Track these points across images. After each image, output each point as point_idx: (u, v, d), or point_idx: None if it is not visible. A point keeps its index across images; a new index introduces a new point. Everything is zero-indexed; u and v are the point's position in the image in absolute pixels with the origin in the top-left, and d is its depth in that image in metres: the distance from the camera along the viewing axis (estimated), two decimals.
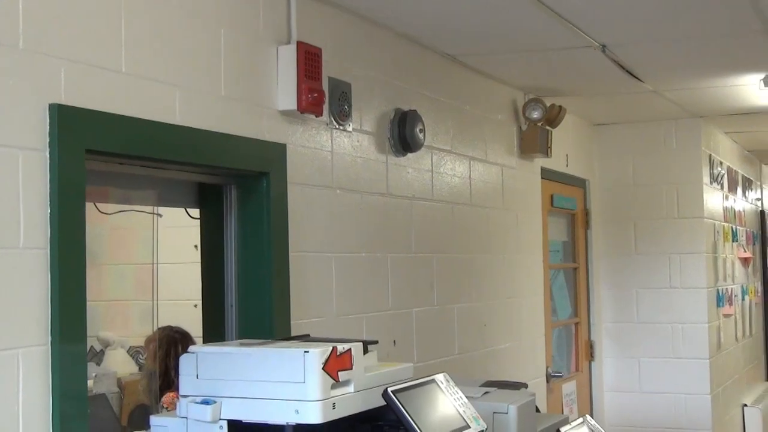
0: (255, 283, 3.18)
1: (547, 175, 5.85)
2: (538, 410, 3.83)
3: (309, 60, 3.28)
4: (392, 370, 2.64)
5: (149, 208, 3.47)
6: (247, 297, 3.18)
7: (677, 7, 3.90)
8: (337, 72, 3.60)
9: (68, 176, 2.39)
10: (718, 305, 7.05)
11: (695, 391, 6.63)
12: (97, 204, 3.41)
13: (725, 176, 7.65)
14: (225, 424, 2.37)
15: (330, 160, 3.58)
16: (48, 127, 2.36)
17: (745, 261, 8.40)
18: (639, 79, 5.28)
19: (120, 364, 5.44)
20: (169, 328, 4.30)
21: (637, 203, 6.85)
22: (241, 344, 2.55)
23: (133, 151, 2.67)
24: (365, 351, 2.54)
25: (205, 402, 2.38)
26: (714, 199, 7.18)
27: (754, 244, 9.13)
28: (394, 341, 3.93)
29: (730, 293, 7.52)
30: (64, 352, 2.37)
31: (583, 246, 6.67)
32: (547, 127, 5.52)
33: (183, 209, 3.51)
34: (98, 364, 5.24)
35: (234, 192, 3.20)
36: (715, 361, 6.84)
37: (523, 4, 3.71)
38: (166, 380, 4.03)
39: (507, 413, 3.23)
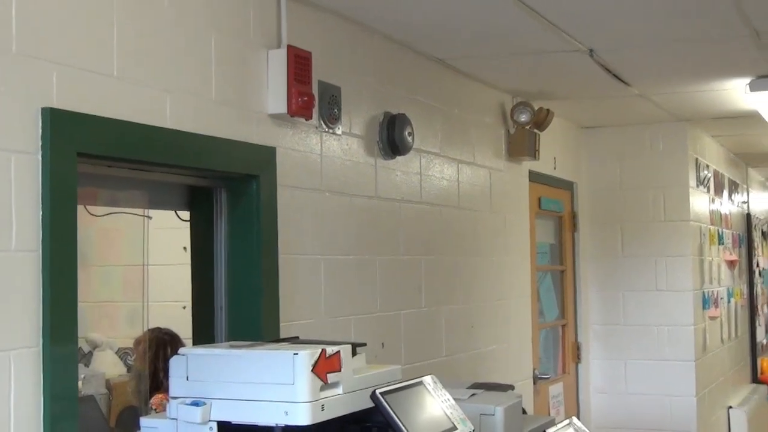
0: (244, 286, 3.20)
1: (534, 177, 5.88)
2: (524, 412, 3.86)
3: (299, 64, 3.31)
4: (380, 372, 2.67)
5: (139, 210, 3.49)
6: (237, 299, 3.20)
7: (664, 12, 3.94)
8: (326, 76, 3.62)
9: (60, 179, 2.41)
10: (704, 308, 7.10)
11: (681, 392, 6.68)
12: (87, 206, 3.42)
13: (711, 179, 7.70)
14: (215, 425, 2.39)
15: (319, 163, 3.61)
16: (40, 131, 2.38)
17: (731, 264, 8.45)
18: (626, 83, 5.33)
19: (109, 366, 5.44)
20: (158, 329, 4.31)
21: (624, 206, 6.89)
22: (231, 346, 2.58)
23: (124, 154, 2.69)
24: (354, 353, 2.56)
25: (195, 403, 2.40)
26: (700, 202, 7.23)
27: (740, 246, 9.18)
28: (383, 343, 3.96)
29: (716, 296, 7.57)
30: (56, 353, 2.38)
31: (570, 248, 6.70)
32: (535, 131, 5.56)
33: (171, 211, 3.53)
34: (87, 365, 5.24)
35: (224, 194, 3.23)
36: (701, 363, 6.89)
37: (511, 9, 3.74)
38: (155, 382, 4.04)
39: (494, 415, 3.26)
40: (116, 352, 5.57)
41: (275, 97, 3.28)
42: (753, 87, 5.31)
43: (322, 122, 3.60)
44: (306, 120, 3.44)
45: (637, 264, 6.84)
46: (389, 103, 4.11)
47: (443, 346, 4.57)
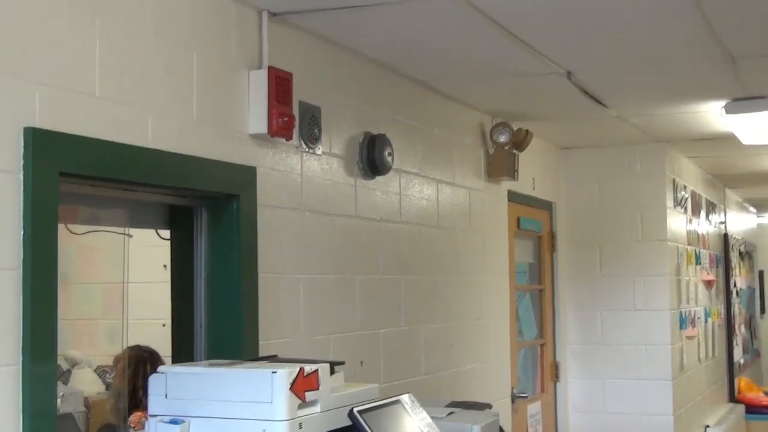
0: (224, 304, 3.22)
1: (513, 197, 5.93)
2: (502, 430, 3.89)
3: (280, 84, 3.34)
4: (358, 390, 2.70)
5: (120, 229, 3.50)
6: (216, 317, 3.22)
7: (640, 35, 4.00)
8: (307, 96, 3.66)
9: (41, 198, 2.43)
10: (681, 327, 7.16)
11: (658, 411, 6.72)
12: (68, 224, 3.43)
13: (689, 200, 7.78)
14: None
15: (300, 183, 3.64)
16: (22, 150, 2.40)
17: (708, 284, 8.53)
18: (604, 105, 5.39)
19: (87, 384, 5.43)
20: (138, 347, 4.32)
21: (602, 226, 6.95)
22: (210, 365, 2.60)
23: (106, 174, 2.71)
24: (332, 372, 2.60)
25: (174, 422, 2.42)
26: (678, 223, 7.31)
27: (717, 266, 9.26)
28: (361, 362, 3.98)
29: (693, 315, 7.63)
30: (35, 371, 2.39)
31: (549, 268, 6.75)
32: (514, 151, 5.61)
33: (153, 230, 3.55)
34: (65, 383, 5.23)
35: (204, 214, 3.25)
36: (678, 382, 6.94)
37: (490, 32, 3.79)
38: (134, 399, 4.05)
39: None
40: (95, 370, 5.56)
41: (256, 117, 3.31)
42: (728, 110, 5.39)
43: (302, 142, 3.64)
44: (286, 140, 3.47)
45: (615, 284, 6.89)
46: (369, 124, 4.15)
47: (422, 365, 4.59)
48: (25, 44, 2.44)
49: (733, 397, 9.65)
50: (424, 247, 4.67)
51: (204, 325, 3.23)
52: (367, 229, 4.12)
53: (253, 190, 3.30)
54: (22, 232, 2.39)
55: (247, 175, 3.28)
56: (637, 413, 6.75)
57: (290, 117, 3.36)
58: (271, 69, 3.35)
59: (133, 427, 3.68)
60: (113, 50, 2.72)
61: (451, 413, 3.47)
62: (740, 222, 11.56)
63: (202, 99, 3.10)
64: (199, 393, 2.44)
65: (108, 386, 5.12)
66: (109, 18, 2.71)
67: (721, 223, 9.80)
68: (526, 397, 6.00)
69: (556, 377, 6.75)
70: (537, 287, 6.63)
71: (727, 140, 6.48)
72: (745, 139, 6.23)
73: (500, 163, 5.49)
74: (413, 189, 4.57)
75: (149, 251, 4.32)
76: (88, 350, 5.72)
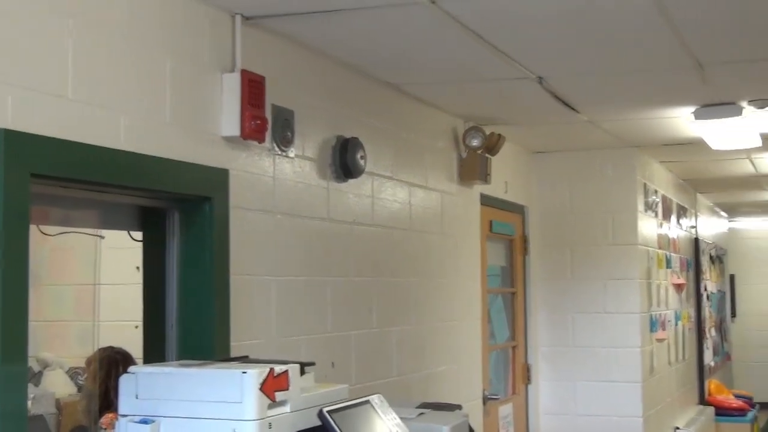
0: (196, 305, 3.24)
1: (486, 201, 5.98)
2: (472, 430, 3.93)
3: (252, 88, 3.37)
4: (328, 391, 2.73)
5: (92, 230, 3.51)
6: (188, 318, 3.24)
7: (610, 42, 4.05)
8: (280, 99, 3.68)
9: (13, 199, 2.44)
10: (651, 330, 7.24)
11: (628, 413, 6.79)
12: (40, 225, 3.44)
13: (659, 204, 7.87)
14: None
15: (272, 186, 3.66)
16: None
17: (678, 287, 8.62)
18: (575, 110, 5.45)
19: (59, 385, 5.42)
20: (111, 348, 4.31)
21: (574, 230, 7.01)
22: (181, 365, 2.62)
23: (78, 176, 2.72)
24: (302, 372, 2.62)
25: (144, 421, 2.44)
26: (648, 227, 7.38)
27: (688, 270, 9.36)
28: (333, 363, 4.01)
29: (663, 318, 7.72)
30: (5, 372, 2.40)
31: (521, 271, 6.81)
32: (487, 155, 5.66)
33: (125, 231, 3.56)
34: (36, 384, 5.22)
35: (176, 216, 3.27)
36: (648, 385, 7.01)
37: (462, 37, 3.83)
38: (106, 401, 4.05)
39: None
40: (67, 372, 5.55)
41: (229, 120, 3.33)
42: (697, 116, 5.46)
43: (275, 145, 3.66)
44: (259, 143, 3.49)
45: (586, 287, 6.96)
46: (342, 127, 4.19)
47: (394, 367, 4.63)
48: None
49: (703, 400, 9.75)
50: (396, 250, 4.70)
51: (175, 326, 3.25)
52: (339, 231, 4.15)
53: (226, 193, 3.32)
54: None
55: (219, 177, 3.30)
56: (608, 415, 6.81)
57: (263, 120, 3.39)
58: (244, 72, 3.37)
59: (105, 429, 3.68)
60: (86, 52, 2.74)
61: (421, 414, 3.50)
62: (711, 226, 11.69)
63: (175, 101, 3.12)
64: (170, 393, 2.45)
65: (80, 388, 5.11)
66: (82, 20, 2.73)
67: (692, 227, 9.91)
68: (497, 398, 6.04)
69: (527, 379, 6.81)
70: (509, 290, 6.68)
71: (697, 145, 6.57)
72: (715, 144, 6.32)
73: (473, 166, 5.53)
74: (385, 192, 4.61)
75: (122, 253, 4.33)
76: (61, 352, 5.71)
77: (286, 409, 2.48)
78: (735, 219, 13.91)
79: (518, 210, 6.75)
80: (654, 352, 7.29)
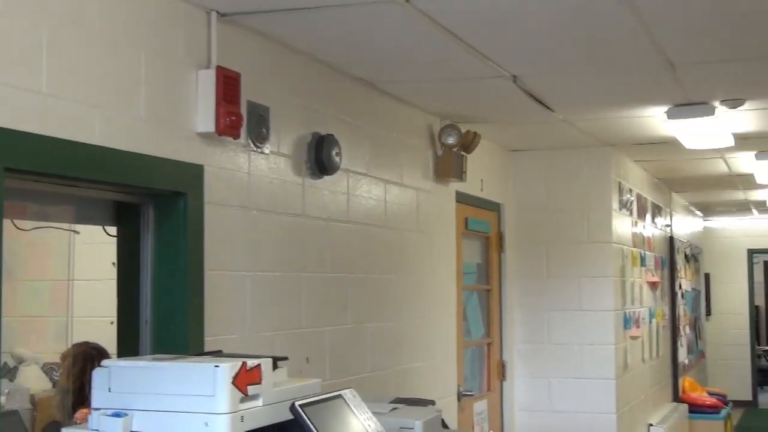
0: (170, 300, 3.25)
1: (462, 198, 6.02)
2: (446, 426, 3.97)
3: (227, 84, 3.38)
4: (300, 385, 2.75)
5: (66, 225, 3.51)
6: (162, 313, 3.26)
7: (583, 42, 4.09)
8: (255, 96, 3.70)
9: None
10: (625, 327, 7.30)
11: (602, 410, 6.85)
12: (14, 220, 3.44)
13: (634, 203, 7.93)
14: None
15: (247, 182, 3.68)
16: None
17: (653, 285, 8.70)
18: (550, 109, 5.49)
19: (34, 381, 5.42)
20: (86, 344, 4.31)
21: (549, 228, 7.06)
22: (154, 359, 2.63)
23: (52, 170, 2.73)
24: (275, 367, 2.64)
25: (117, 415, 2.45)
26: (623, 225, 7.45)
27: (662, 269, 9.44)
28: (307, 359, 4.03)
29: (637, 316, 7.78)
30: None
31: (496, 268, 6.85)
32: (462, 153, 5.70)
33: (100, 227, 3.56)
34: (11, 380, 5.21)
35: (151, 211, 3.28)
36: (622, 382, 7.07)
37: (437, 35, 3.86)
38: (81, 396, 4.05)
39: (413, 429, 3.37)
40: (42, 368, 5.55)
41: (204, 116, 3.35)
42: (670, 115, 5.52)
43: (250, 141, 3.68)
44: (234, 139, 3.51)
45: (561, 284, 7.01)
46: (318, 124, 4.21)
47: (368, 363, 4.65)
48: None
49: (677, 397, 9.84)
50: (371, 247, 4.73)
51: (150, 322, 3.26)
52: (314, 227, 4.17)
53: (200, 188, 3.34)
54: None
55: (194, 173, 3.32)
56: (582, 412, 6.87)
57: (238, 116, 3.41)
58: (219, 69, 3.39)
59: (79, 424, 3.68)
60: (60, 47, 2.75)
61: (394, 409, 3.53)
62: (686, 225, 11.79)
63: (150, 97, 3.13)
64: (143, 386, 2.47)
65: (55, 383, 5.11)
66: (56, 15, 2.74)
67: (667, 226, 9.99)
68: (472, 395, 6.08)
69: (502, 376, 6.85)
70: (484, 287, 6.72)
71: (671, 145, 6.63)
72: (688, 143, 6.38)
73: (448, 164, 5.57)
74: (361, 189, 4.63)
75: (98, 248, 4.33)
76: (36, 348, 5.71)
77: (259, 402, 2.50)
78: (710, 218, 14.04)
79: (494, 208, 6.79)
80: (628, 350, 7.36)
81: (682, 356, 10.33)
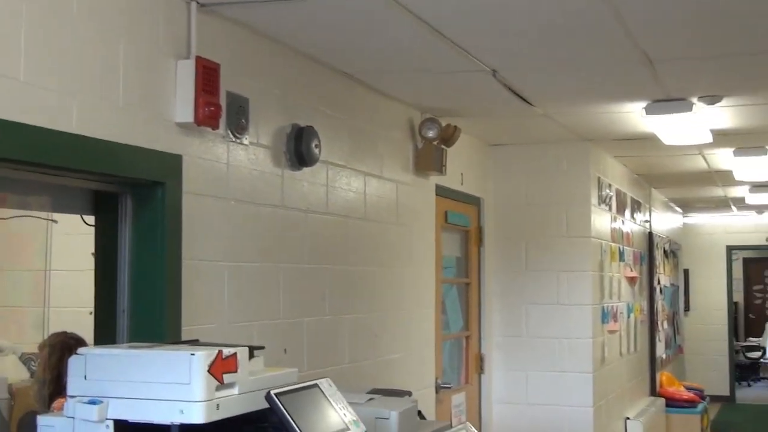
0: (147, 290, 3.26)
1: (441, 192, 6.04)
2: (423, 417, 3.99)
3: (207, 74, 3.39)
4: (277, 374, 2.76)
5: (44, 214, 3.52)
6: (139, 303, 3.26)
7: (562, 37, 4.12)
8: (235, 86, 3.71)
9: None
10: (603, 321, 7.35)
11: (579, 403, 6.90)
12: None
13: (613, 198, 7.98)
14: (111, 423, 2.44)
15: (226, 172, 3.69)
16: None
17: (631, 280, 8.75)
18: (530, 103, 5.52)
19: (11, 371, 5.41)
20: (64, 333, 4.31)
21: (528, 222, 7.09)
22: (130, 347, 2.64)
23: (30, 158, 2.73)
24: (251, 356, 2.65)
25: (92, 402, 2.46)
26: (602, 220, 7.49)
27: (641, 264, 9.51)
28: (285, 349, 4.05)
29: (615, 310, 7.84)
30: None
31: (475, 262, 6.88)
32: (443, 146, 5.72)
33: (79, 216, 3.57)
34: None
35: (129, 200, 3.29)
36: (599, 375, 7.12)
37: (416, 28, 3.88)
38: (58, 386, 4.05)
39: (389, 419, 3.38)
40: (20, 358, 5.54)
41: (183, 106, 3.35)
42: (649, 111, 5.56)
43: (229, 132, 3.69)
44: (213, 129, 3.52)
45: (539, 278, 7.04)
46: (297, 116, 4.22)
47: (346, 354, 4.67)
48: None
49: (654, 391, 9.92)
50: (350, 239, 4.75)
51: (127, 311, 3.27)
52: (293, 219, 4.19)
53: (179, 178, 3.35)
54: None
55: (172, 162, 3.32)
56: (559, 405, 6.92)
57: (217, 107, 3.41)
58: (198, 59, 3.39)
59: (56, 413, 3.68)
60: (39, 36, 2.75)
61: (370, 399, 3.54)
62: (666, 221, 11.86)
63: (129, 86, 3.13)
64: (118, 374, 2.47)
65: (33, 373, 5.11)
66: (35, 3, 2.74)
67: (646, 221, 10.05)
68: (450, 387, 6.11)
69: (480, 369, 6.89)
70: (463, 281, 6.75)
71: (650, 140, 6.67)
72: (667, 139, 6.43)
73: (428, 157, 5.59)
74: (340, 181, 4.65)
75: (77, 239, 4.34)
76: (16, 338, 5.70)
77: (234, 391, 2.51)
78: (690, 215, 14.13)
79: (473, 201, 6.82)
80: (605, 344, 7.41)
81: (660, 351, 10.40)
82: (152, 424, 2.44)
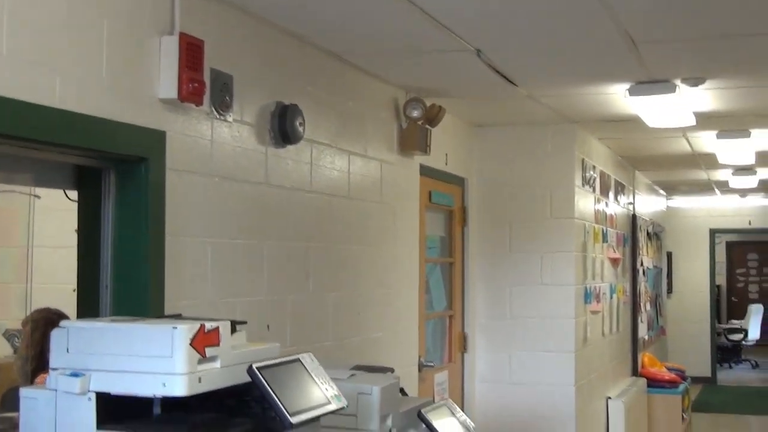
0: (130, 265, 3.27)
1: (426, 172, 6.06)
2: (405, 393, 4.02)
3: (191, 51, 3.39)
4: (259, 348, 2.78)
5: (27, 189, 3.52)
6: (122, 279, 3.27)
7: (547, 18, 4.14)
8: (219, 63, 3.71)
9: None
10: (585, 302, 7.40)
11: (561, 382, 6.95)
12: None
13: (597, 180, 8.02)
14: (93, 396, 2.46)
15: (210, 149, 3.70)
16: None
17: (614, 261, 8.80)
18: (514, 84, 5.53)
19: None
20: (47, 309, 4.30)
21: (512, 202, 7.12)
22: (113, 320, 2.66)
23: (12, 132, 2.74)
24: (233, 330, 2.67)
25: (75, 374, 2.47)
26: (585, 202, 7.53)
27: (624, 246, 9.56)
28: (268, 326, 4.07)
29: (598, 291, 7.89)
30: None
31: (459, 242, 6.91)
32: (427, 126, 5.73)
33: (62, 192, 3.57)
34: None
35: (113, 176, 3.29)
36: (581, 355, 7.17)
37: (401, 7, 3.89)
38: (41, 362, 4.05)
39: (371, 394, 3.41)
40: (3, 334, 5.55)
41: (166, 82, 3.35)
42: (632, 92, 5.58)
43: (213, 109, 3.70)
44: (197, 106, 3.52)
45: (523, 259, 7.08)
46: (282, 93, 4.22)
47: (330, 332, 4.70)
48: None
49: (636, 372, 9.99)
50: (334, 217, 4.77)
51: (110, 286, 3.28)
52: (277, 196, 4.20)
53: (162, 154, 3.36)
54: None
55: (156, 138, 3.33)
56: (541, 384, 6.97)
57: (200, 83, 3.42)
58: (182, 35, 3.39)
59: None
60: (21, 10, 2.74)
61: (353, 375, 3.57)
62: (650, 204, 11.92)
63: (113, 62, 3.13)
64: (101, 347, 2.48)
65: (16, 350, 5.11)
66: None
67: (630, 203, 10.10)
68: (432, 366, 6.15)
69: (463, 348, 6.93)
70: (447, 260, 6.78)
71: (634, 122, 6.70)
72: (650, 121, 6.46)
73: (413, 137, 5.60)
74: (324, 159, 4.66)
75: (61, 216, 4.33)
76: (0, 315, 5.71)
77: (216, 364, 2.53)
78: (673, 197, 14.20)
79: (458, 182, 6.84)
80: (588, 324, 7.46)
81: (642, 332, 10.47)
82: (135, 397, 2.46)
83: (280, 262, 4.23)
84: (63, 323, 2.56)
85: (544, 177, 7.09)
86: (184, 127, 3.53)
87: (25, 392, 2.59)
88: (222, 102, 3.74)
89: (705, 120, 6.68)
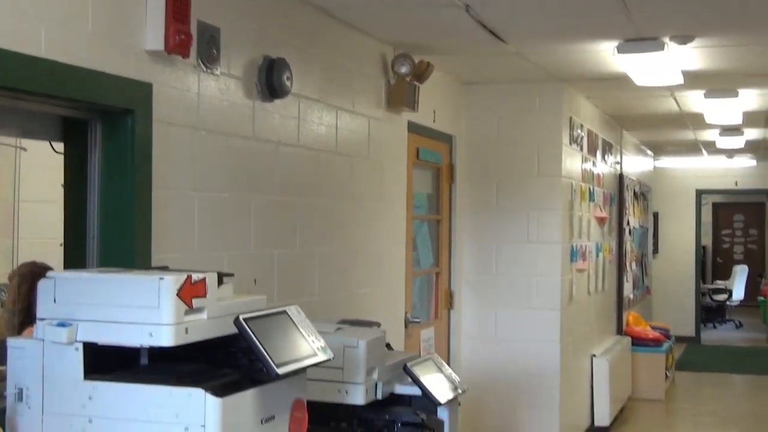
0: (117, 217, 3.27)
1: (413, 128, 6.05)
2: (391, 348, 4.06)
3: (177, 2, 3.36)
4: (245, 300, 2.80)
5: (13, 141, 3.50)
6: (109, 230, 3.27)
7: None
8: (206, 16, 3.68)
9: None
10: (571, 260, 7.44)
11: (546, 339, 7.01)
12: None
13: (585, 139, 8.02)
14: (80, 345, 2.47)
15: (197, 102, 3.68)
16: None
17: (600, 220, 8.84)
18: (503, 41, 5.51)
19: None
20: (33, 263, 4.30)
21: (500, 160, 7.13)
22: (99, 271, 2.67)
23: None
24: (220, 282, 2.68)
25: (62, 324, 2.48)
26: (573, 160, 7.54)
27: (611, 205, 9.59)
28: (255, 280, 4.08)
29: (584, 249, 7.93)
30: None
31: (447, 199, 6.92)
32: (415, 83, 5.71)
33: (49, 146, 3.55)
34: None
35: (99, 127, 3.28)
36: (566, 313, 7.23)
37: None
38: (29, 315, 4.06)
39: (356, 347, 3.45)
40: None
41: (153, 33, 3.33)
42: (620, 49, 5.57)
43: (200, 62, 3.67)
44: (183, 58, 3.50)
45: (510, 217, 7.10)
46: (269, 48, 4.20)
47: (316, 287, 4.72)
48: None
49: (621, 330, 10.08)
50: (321, 173, 4.76)
51: (96, 238, 3.28)
52: (264, 151, 4.19)
53: (149, 106, 3.34)
54: None
55: (142, 90, 3.31)
56: (526, 340, 7.03)
57: (187, 35, 3.39)
58: None
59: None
60: None
61: (339, 329, 3.60)
62: (637, 164, 11.94)
63: (98, 12, 3.10)
64: (88, 297, 2.49)
65: (3, 303, 5.11)
66: None
67: (617, 163, 10.12)
68: (419, 322, 6.19)
69: (450, 305, 6.97)
70: (434, 217, 6.80)
71: (622, 81, 6.69)
72: (638, 80, 6.45)
73: (401, 93, 5.58)
74: (312, 115, 4.65)
75: (48, 170, 4.31)
76: None
77: (203, 315, 2.54)
78: (661, 158, 14.23)
79: (446, 139, 6.84)
80: (573, 282, 7.50)
81: (628, 291, 10.55)
82: (122, 347, 2.48)
83: (267, 217, 4.23)
84: (50, 273, 2.57)
85: (531, 135, 7.09)
86: (171, 80, 3.51)
87: (12, 342, 2.60)
88: (209, 55, 3.71)
89: (693, 79, 6.69)
